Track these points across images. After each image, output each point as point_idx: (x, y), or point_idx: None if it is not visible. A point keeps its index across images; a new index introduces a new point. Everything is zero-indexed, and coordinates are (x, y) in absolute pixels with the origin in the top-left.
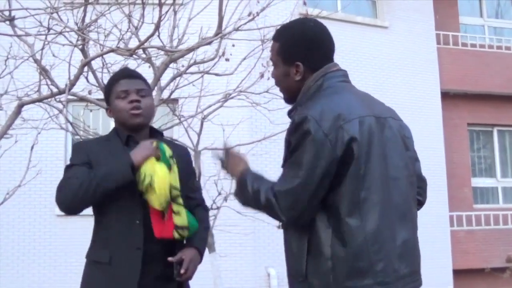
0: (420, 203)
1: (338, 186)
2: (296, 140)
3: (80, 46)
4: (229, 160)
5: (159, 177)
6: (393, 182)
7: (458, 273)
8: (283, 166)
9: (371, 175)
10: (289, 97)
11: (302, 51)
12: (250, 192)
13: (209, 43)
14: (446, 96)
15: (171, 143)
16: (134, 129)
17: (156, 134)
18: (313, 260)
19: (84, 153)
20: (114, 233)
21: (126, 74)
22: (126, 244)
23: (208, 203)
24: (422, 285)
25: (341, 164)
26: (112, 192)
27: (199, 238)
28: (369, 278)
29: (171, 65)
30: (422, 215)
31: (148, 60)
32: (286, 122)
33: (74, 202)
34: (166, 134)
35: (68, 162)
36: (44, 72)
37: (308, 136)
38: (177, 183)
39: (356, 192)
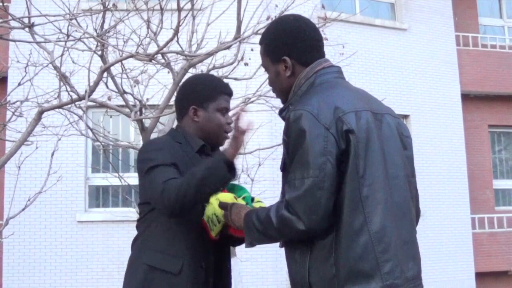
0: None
1: (338, 185)
2: (295, 139)
3: (99, 52)
4: (232, 211)
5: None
6: (392, 181)
7: (480, 276)
8: (283, 169)
9: (371, 171)
10: (286, 99)
11: (285, 45)
12: (260, 225)
13: (228, 48)
14: (467, 98)
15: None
16: (213, 145)
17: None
18: (317, 268)
19: (169, 153)
20: (186, 245)
21: (230, 91)
22: (195, 259)
23: None
24: None
25: (342, 158)
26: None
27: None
28: (376, 281)
29: (190, 70)
30: (444, 217)
31: (167, 65)
32: None
33: (180, 205)
34: None
35: (151, 163)
36: (63, 78)
37: (308, 133)
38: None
39: (357, 190)
